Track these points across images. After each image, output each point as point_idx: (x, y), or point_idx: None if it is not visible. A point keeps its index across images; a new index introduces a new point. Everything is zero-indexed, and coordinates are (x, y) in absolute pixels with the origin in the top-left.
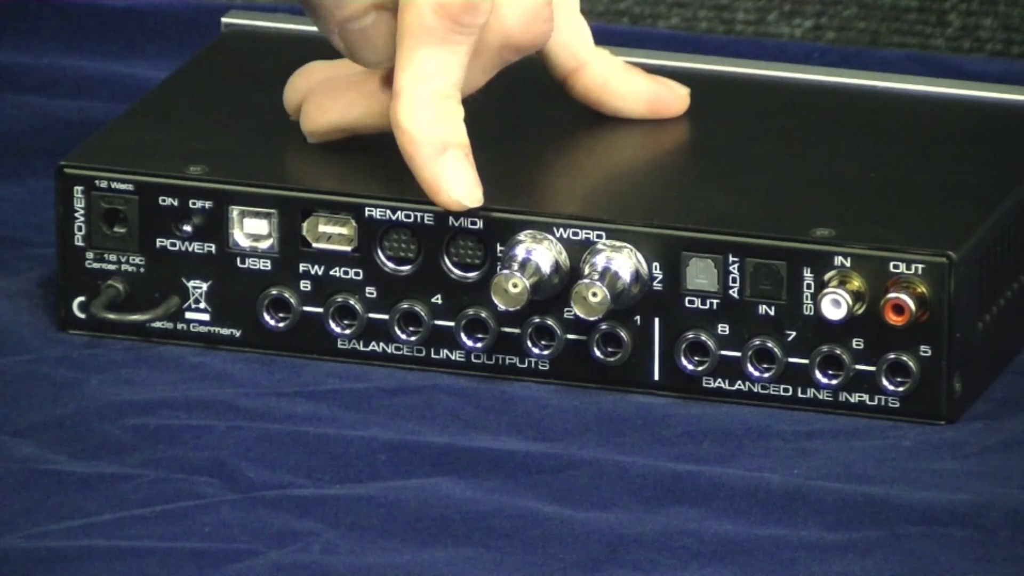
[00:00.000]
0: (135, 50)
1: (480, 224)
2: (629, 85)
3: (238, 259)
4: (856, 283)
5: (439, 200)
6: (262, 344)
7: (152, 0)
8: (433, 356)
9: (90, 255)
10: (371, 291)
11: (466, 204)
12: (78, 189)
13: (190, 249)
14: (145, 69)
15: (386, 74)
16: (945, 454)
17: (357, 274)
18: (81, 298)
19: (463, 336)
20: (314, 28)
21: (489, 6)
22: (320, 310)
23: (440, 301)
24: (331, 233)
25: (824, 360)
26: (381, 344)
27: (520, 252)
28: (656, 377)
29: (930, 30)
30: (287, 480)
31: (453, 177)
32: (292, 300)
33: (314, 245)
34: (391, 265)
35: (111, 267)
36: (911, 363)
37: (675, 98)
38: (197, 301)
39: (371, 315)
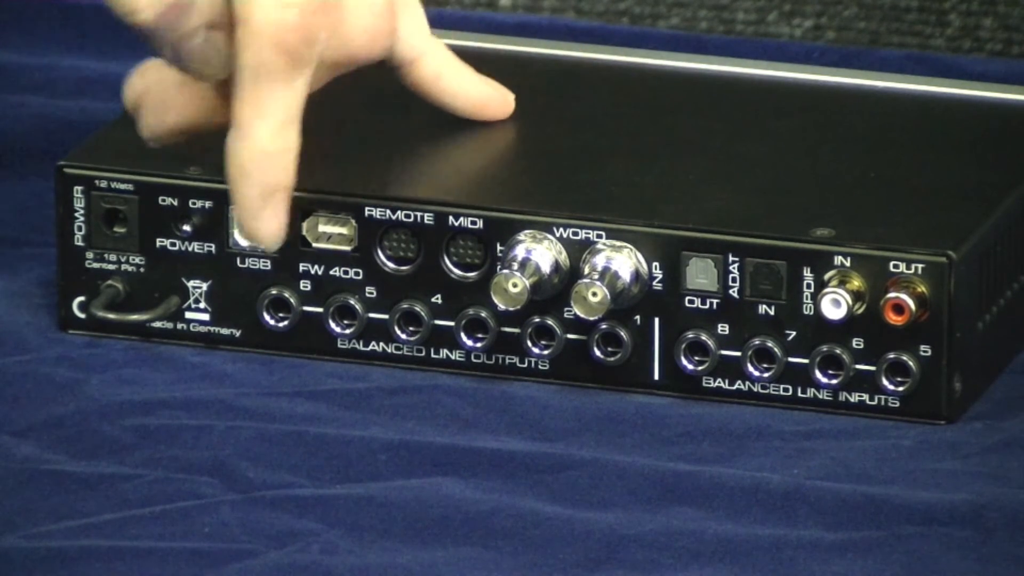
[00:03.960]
0: (135, 50)
1: (480, 224)
2: (460, 86)
3: (238, 259)
4: (856, 283)
5: (243, 232)
6: (262, 344)
7: None
8: (433, 356)
9: (90, 255)
10: (371, 291)
11: (267, 248)
12: (78, 189)
13: (190, 249)
14: None
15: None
16: (945, 454)
17: (357, 274)
18: (81, 298)
19: (463, 336)
20: None
21: (327, 34)
22: (320, 310)
23: (440, 301)
24: (331, 233)
25: (824, 360)
26: (381, 344)
27: (520, 252)
28: (656, 377)
29: (930, 30)
30: (287, 480)
31: (264, 219)
32: (292, 300)
33: (314, 245)
34: (391, 265)
35: (111, 267)
36: (911, 363)
37: (501, 103)
38: (197, 301)
39: (371, 315)
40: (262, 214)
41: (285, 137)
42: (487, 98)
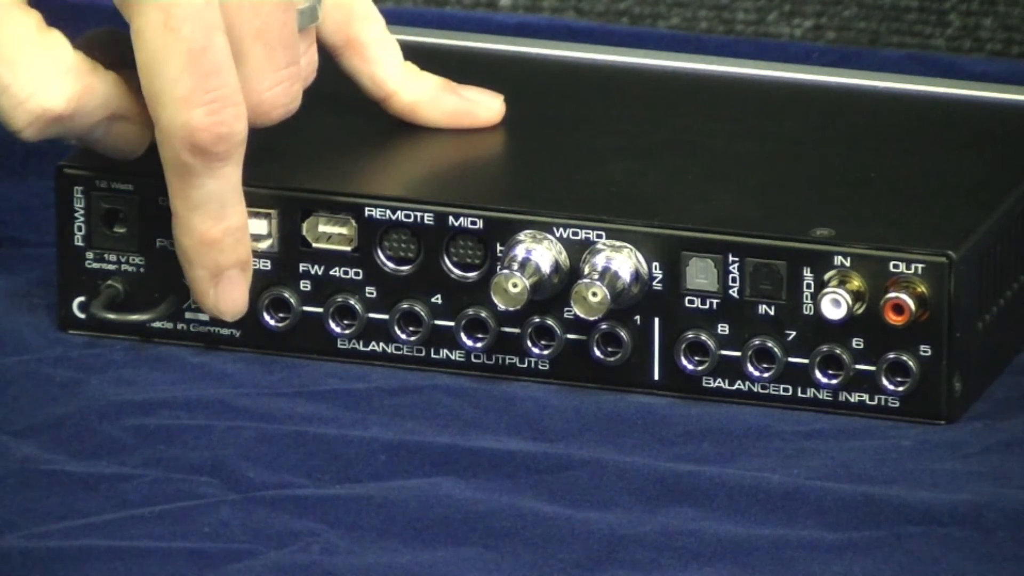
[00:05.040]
0: None
1: (480, 224)
2: (438, 111)
3: None
4: (856, 283)
5: (203, 306)
6: (262, 344)
7: None
8: (433, 356)
9: (90, 255)
10: (371, 291)
11: (227, 319)
12: (78, 189)
13: None
14: None
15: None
16: (945, 454)
17: (357, 274)
18: (81, 298)
19: (463, 336)
20: None
21: (243, 125)
22: (320, 310)
23: (440, 301)
24: (331, 233)
25: (824, 360)
26: (381, 344)
27: (520, 252)
28: (656, 377)
29: (930, 30)
30: (287, 480)
31: (218, 298)
32: (292, 300)
33: (314, 245)
34: (391, 265)
35: (111, 267)
36: (911, 363)
37: (486, 111)
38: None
39: (371, 315)
40: (214, 293)
41: (226, 221)
42: (468, 112)
